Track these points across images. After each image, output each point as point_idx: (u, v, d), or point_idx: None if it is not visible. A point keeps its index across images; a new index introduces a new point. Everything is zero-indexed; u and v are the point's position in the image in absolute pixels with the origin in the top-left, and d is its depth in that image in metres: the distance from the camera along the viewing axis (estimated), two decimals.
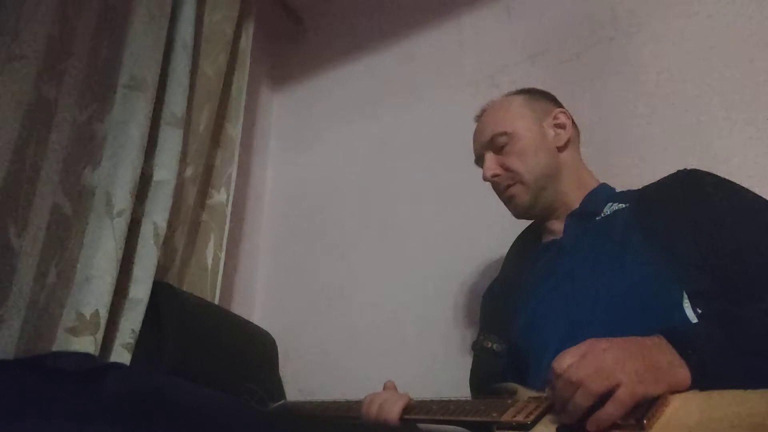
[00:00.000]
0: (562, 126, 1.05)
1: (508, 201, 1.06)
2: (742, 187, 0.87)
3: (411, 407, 0.88)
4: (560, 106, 1.10)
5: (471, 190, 1.43)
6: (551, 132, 1.05)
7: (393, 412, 0.87)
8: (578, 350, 0.68)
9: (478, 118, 1.12)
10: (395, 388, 0.99)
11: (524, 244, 1.13)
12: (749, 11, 1.22)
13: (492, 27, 1.59)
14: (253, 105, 1.89)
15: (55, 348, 1.05)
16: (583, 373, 0.65)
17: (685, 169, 0.93)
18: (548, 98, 1.10)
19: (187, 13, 1.46)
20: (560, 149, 1.04)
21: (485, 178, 1.06)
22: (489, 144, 1.06)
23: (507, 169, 1.04)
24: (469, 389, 1.09)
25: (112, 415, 0.61)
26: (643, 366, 0.65)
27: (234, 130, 1.63)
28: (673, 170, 0.96)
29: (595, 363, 0.65)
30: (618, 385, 0.63)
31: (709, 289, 0.79)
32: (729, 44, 1.22)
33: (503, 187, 1.05)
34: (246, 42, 1.72)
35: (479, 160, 1.09)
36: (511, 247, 1.16)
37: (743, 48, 1.20)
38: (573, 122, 1.09)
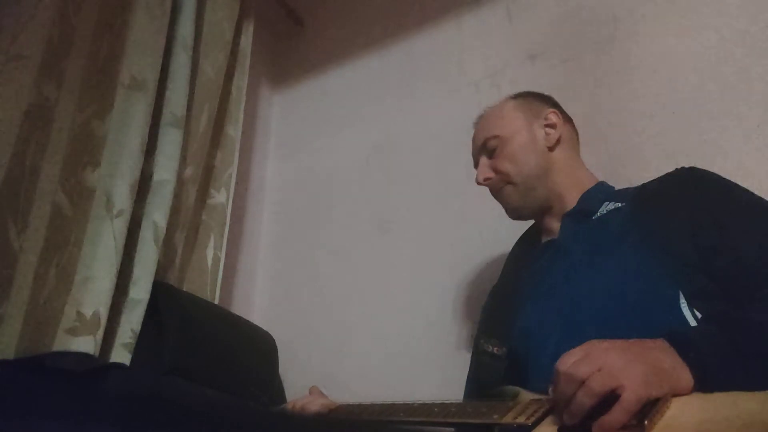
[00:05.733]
0: (552, 125, 1.07)
1: (501, 201, 1.09)
2: (741, 187, 0.87)
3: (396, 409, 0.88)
4: (554, 106, 1.11)
5: (471, 190, 1.43)
6: (541, 132, 1.07)
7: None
8: (581, 350, 0.68)
9: (475, 125, 1.15)
10: (320, 393, 1.04)
11: (524, 245, 1.14)
12: (750, 12, 1.22)
13: (492, 27, 1.59)
14: (253, 105, 1.89)
15: (55, 348, 1.05)
16: (586, 371, 0.64)
17: (684, 167, 0.93)
18: (541, 99, 1.12)
19: (187, 12, 1.46)
20: (551, 148, 1.06)
21: (478, 182, 1.09)
22: (482, 148, 1.09)
23: (498, 172, 1.06)
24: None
25: (112, 415, 0.61)
26: (646, 368, 0.64)
27: (234, 130, 1.63)
28: (672, 170, 0.96)
29: (597, 361, 0.65)
30: (622, 387, 0.63)
31: (705, 289, 0.79)
32: (730, 44, 1.22)
33: (496, 189, 1.08)
34: (246, 42, 1.72)
35: (477, 165, 1.11)
36: (513, 248, 1.17)
37: (744, 47, 1.20)
38: (567, 121, 1.10)
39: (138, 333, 1.18)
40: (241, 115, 1.67)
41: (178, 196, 1.37)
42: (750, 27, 1.21)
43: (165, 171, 1.33)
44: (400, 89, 1.72)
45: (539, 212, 1.07)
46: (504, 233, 1.23)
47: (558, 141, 1.06)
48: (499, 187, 1.07)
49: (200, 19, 1.52)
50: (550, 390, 0.71)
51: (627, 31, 1.36)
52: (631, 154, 1.26)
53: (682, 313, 0.78)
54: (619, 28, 1.37)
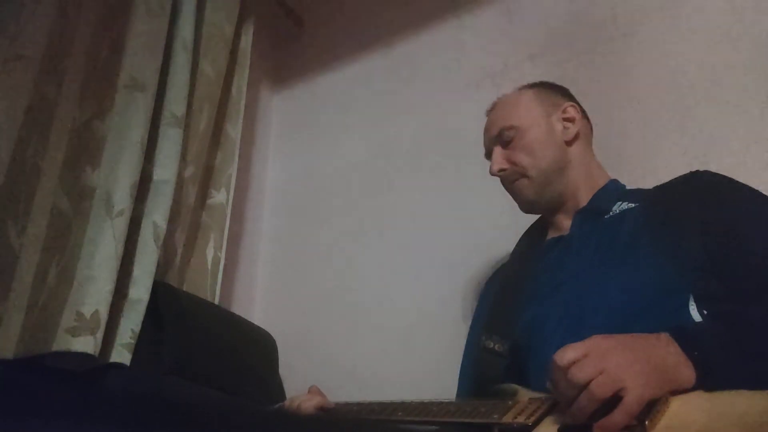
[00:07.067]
0: (571, 120, 1.05)
1: (514, 195, 1.06)
2: (753, 190, 0.87)
3: (407, 408, 0.88)
4: (572, 99, 1.09)
5: (472, 189, 1.43)
6: (560, 126, 1.04)
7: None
8: (582, 347, 0.67)
9: (489, 112, 1.11)
10: (319, 392, 1.02)
11: (531, 240, 1.12)
12: (749, 12, 1.22)
13: (492, 27, 1.59)
14: (253, 105, 1.89)
15: (55, 348, 1.05)
16: (587, 375, 0.64)
17: (698, 170, 0.93)
18: (559, 91, 1.09)
19: (187, 13, 1.46)
20: (569, 143, 1.04)
21: (492, 173, 1.05)
22: (497, 138, 1.05)
23: (513, 164, 1.03)
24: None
25: (112, 415, 0.61)
26: (648, 367, 0.64)
27: (234, 130, 1.63)
28: (673, 171, 0.96)
29: (599, 365, 0.64)
30: (624, 389, 0.62)
31: (716, 293, 0.78)
32: (729, 44, 1.22)
33: (509, 181, 1.05)
34: (246, 42, 1.72)
35: (489, 155, 1.08)
36: (518, 242, 1.14)
37: (744, 48, 1.20)
38: (584, 116, 1.08)
39: (138, 333, 1.17)
40: (241, 115, 1.67)
41: (178, 196, 1.37)
42: (752, 24, 1.21)
43: (165, 171, 1.33)
44: (400, 89, 1.71)
45: (551, 208, 1.04)
46: (504, 232, 1.23)
47: (576, 136, 1.04)
48: (514, 179, 1.04)
49: (200, 19, 1.52)
50: (548, 383, 0.71)
51: (627, 31, 1.36)
52: (630, 154, 1.26)
53: (691, 315, 0.77)
54: (619, 28, 1.37)
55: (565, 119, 1.05)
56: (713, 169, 0.92)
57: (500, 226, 1.30)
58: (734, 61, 1.21)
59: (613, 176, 1.07)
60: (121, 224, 1.19)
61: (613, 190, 1.02)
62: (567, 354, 0.67)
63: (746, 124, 1.16)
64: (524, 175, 1.02)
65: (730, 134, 1.17)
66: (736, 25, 1.22)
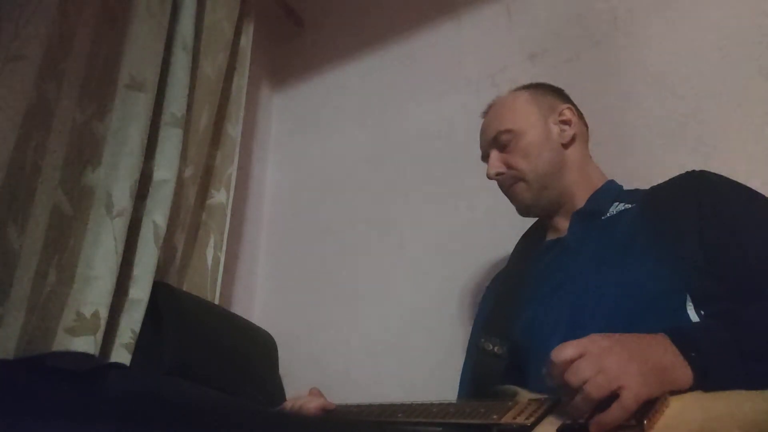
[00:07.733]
0: (567, 122, 1.05)
1: (512, 198, 1.07)
2: (751, 189, 0.87)
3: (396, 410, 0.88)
4: (568, 101, 1.09)
5: (472, 189, 1.43)
6: (556, 129, 1.04)
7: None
8: (580, 345, 0.67)
9: (485, 115, 1.12)
10: (320, 394, 1.03)
11: (529, 242, 1.12)
12: (749, 10, 1.22)
13: (492, 27, 1.59)
14: (253, 105, 1.89)
15: (55, 348, 1.05)
16: (585, 376, 0.64)
17: (694, 170, 0.93)
18: (555, 93, 1.09)
19: (187, 12, 1.46)
20: (565, 146, 1.04)
21: (489, 176, 1.06)
22: (494, 141, 1.06)
23: (511, 167, 1.03)
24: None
25: (112, 415, 0.61)
26: (646, 367, 0.64)
27: (234, 130, 1.63)
28: (672, 171, 0.96)
29: (596, 364, 0.64)
30: (621, 388, 0.62)
31: (713, 293, 0.78)
32: (729, 44, 1.22)
33: (507, 185, 1.05)
34: (246, 42, 1.72)
35: (485, 157, 1.09)
36: (517, 244, 1.15)
37: (744, 47, 1.20)
38: (581, 117, 1.08)
39: (138, 333, 1.17)
40: (241, 115, 1.67)
41: (178, 196, 1.37)
42: (752, 22, 1.21)
43: (165, 171, 1.33)
44: (400, 89, 1.72)
45: (549, 210, 1.05)
46: (502, 234, 1.23)
47: (573, 138, 1.04)
48: (511, 183, 1.04)
49: (200, 19, 1.52)
50: (545, 375, 0.71)
51: (627, 31, 1.36)
52: (631, 155, 1.26)
53: (689, 315, 0.77)
54: (620, 27, 1.37)
55: (562, 122, 1.05)
56: (714, 170, 0.92)
57: (498, 228, 1.30)
58: (735, 62, 1.21)
59: (612, 177, 1.07)
60: (121, 224, 1.19)
61: (610, 191, 1.02)
62: (565, 351, 0.67)
63: (747, 125, 1.16)
64: (521, 179, 1.03)
65: (730, 135, 1.17)
66: (737, 26, 1.22)
